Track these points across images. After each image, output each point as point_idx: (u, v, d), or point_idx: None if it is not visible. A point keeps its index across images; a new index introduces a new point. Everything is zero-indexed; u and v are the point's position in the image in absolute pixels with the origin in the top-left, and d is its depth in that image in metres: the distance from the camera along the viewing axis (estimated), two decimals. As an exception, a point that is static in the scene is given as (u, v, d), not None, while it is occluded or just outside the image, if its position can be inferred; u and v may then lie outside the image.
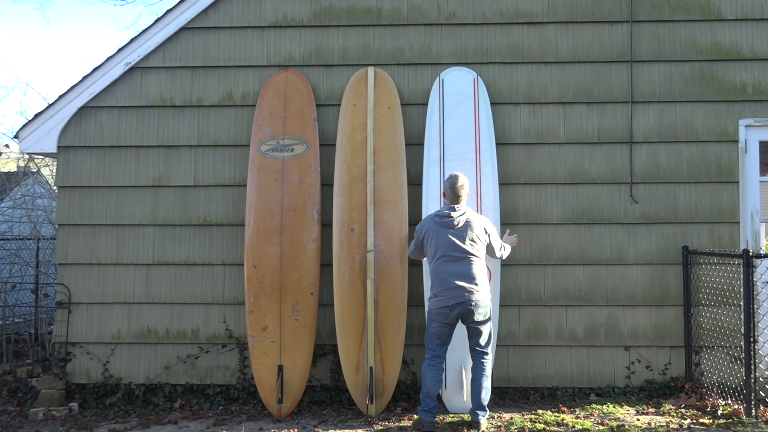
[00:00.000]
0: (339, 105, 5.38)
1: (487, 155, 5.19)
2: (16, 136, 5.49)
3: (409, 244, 4.80)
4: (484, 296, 4.43)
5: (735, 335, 5.07)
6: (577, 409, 4.89)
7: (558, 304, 5.35)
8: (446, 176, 4.81)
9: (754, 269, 4.50)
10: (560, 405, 4.97)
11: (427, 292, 4.77)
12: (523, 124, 5.43)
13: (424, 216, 5.05)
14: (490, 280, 4.53)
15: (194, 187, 5.46)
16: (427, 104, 5.36)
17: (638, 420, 4.61)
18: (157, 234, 5.46)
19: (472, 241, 4.44)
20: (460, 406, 4.87)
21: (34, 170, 9.33)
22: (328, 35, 5.51)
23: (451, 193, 4.52)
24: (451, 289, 4.37)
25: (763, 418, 4.50)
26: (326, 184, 5.28)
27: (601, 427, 4.46)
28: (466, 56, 5.46)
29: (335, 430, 4.59)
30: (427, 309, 4.63)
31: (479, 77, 5.37)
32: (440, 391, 4.90)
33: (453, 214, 4.46)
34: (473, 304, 4.37)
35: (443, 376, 4.81)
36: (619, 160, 5.40)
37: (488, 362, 4.51)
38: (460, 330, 4.54)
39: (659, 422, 4.55)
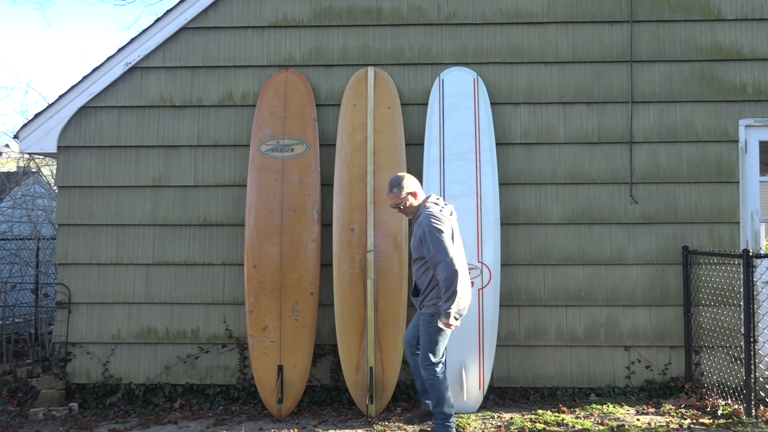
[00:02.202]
0: (339, 105, 5.38)
1: (487, 155, 5.19)
2: (16, 136, 5.49)
3: (446, 248, 4.01)
4: None
5: (735, 335, 5.07)
6: (577, 409, 4.89)
7: (558, 304, 5.35)
8: (446, 176, 4.74)
9: (754, 269, 4.50)
10: (560, 405, 4.97)
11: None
12: (523, 124, 5.42)
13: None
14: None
15: (194, 187, 5.46)
16: (427, 104, 5.36)
17: (638, 420, 4.61)
18: (157, 234, 5.46)
19: None
20: (460, 406, 4.87)
21: (34, 170, 9.32)
22: (328, 35, 5.51)
23: (420, 187, 4.30)
24: (468, 289, 4.24)
25: (763, 418, 4.50)
26: (326, 184, 5.28)
27: (601, 427, 4.46)
28: (466, 56, 5.46)
29: (335, 430, 4.59)
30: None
31: (479, 77, 5.37)
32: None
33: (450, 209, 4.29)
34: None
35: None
36: (619, 160, 5.40)
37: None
38: (461, 329, 4.54)
39: (659, 422, 4.55)
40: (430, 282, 4.18)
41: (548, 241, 5.37)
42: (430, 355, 4.19)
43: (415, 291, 4.34)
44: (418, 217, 4.22)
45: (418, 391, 4.67)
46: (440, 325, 4.08)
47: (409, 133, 5.34)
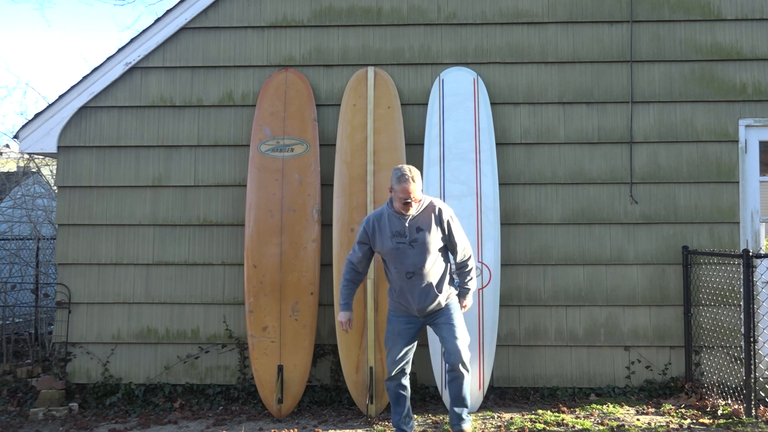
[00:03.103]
0: (339, 105, 5.38)
1: (487, 155, 5.19)
2: (16, 136, 5.49)
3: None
4: None
5: (735, 335, 5.07)
6: (577, 409, 4.89)
7: (558, 304, 5.34)
8: (446, 176, 4.71)
9: (754, 269, 4.50)
10: (560, 405, 4.97)
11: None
12: (523, 124, 5.42)
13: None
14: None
15: (194, 187, 5.46)
16: (427, 104, 5.36)
17: (638, 420, 4.61)
18: (157, 234, 5.46)
19: None
20: (460, 406, 4.87)
21: (34, 170, 9.32)
22: (328, 35, 5.51)
23: None
24: None
25: (763, 418, 4.50)
26: (326, 184, 5.28)
27: (601, 427, 4.46)
28: (466, 56, 5.46)
29: (335, 430, 4.59)
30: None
31: (479, 77, 5.37)
32: (441, 392, 4.96)
33: None
34: None
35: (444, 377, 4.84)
36: (619, 160, 5.40)
37: None
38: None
39: (659, 422, 4.55)
40: (444, 274, 4.14)
41: (548, 241, 5.37)
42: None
43: (437, 288, 4.08)
44: (421, 211, 4.07)
45: (398, 429, 4.22)
46: (465, 308, 4.29)
47: (409, 133, 5.34)
